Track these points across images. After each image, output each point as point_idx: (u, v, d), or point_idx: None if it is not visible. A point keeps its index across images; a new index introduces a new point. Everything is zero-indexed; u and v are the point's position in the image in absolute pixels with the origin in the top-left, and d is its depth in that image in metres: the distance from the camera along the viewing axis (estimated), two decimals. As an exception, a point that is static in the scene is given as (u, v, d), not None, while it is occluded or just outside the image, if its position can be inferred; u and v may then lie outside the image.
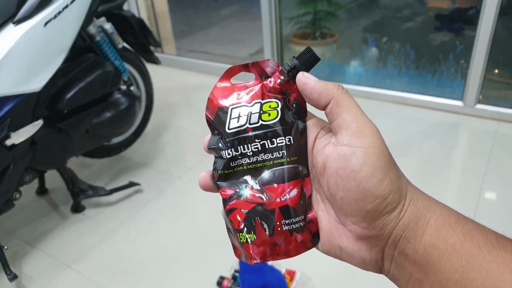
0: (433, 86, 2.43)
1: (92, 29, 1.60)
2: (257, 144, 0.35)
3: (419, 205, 0.31)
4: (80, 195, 1.70)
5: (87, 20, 1.49)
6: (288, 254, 0.35)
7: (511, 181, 1.75)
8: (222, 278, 1.35)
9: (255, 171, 0.36)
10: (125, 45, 1.84)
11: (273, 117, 0.36)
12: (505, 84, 2.33)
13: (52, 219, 1.71)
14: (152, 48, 1.97)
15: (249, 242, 0.35)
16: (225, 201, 0.36)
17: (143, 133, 2.09)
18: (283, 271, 1.34)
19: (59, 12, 1.35)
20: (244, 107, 0.36)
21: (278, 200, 0.35)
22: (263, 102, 0.36)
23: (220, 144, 0.36)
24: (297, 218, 0.35)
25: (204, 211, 1.70)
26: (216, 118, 0.37)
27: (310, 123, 0.36)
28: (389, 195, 0.30)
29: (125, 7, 2.99)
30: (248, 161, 0.36)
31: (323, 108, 0.34)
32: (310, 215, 0.35)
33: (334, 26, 2.88)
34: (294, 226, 0.35)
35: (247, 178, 0.36)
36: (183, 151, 2.16)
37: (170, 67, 3.08)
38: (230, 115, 0.36)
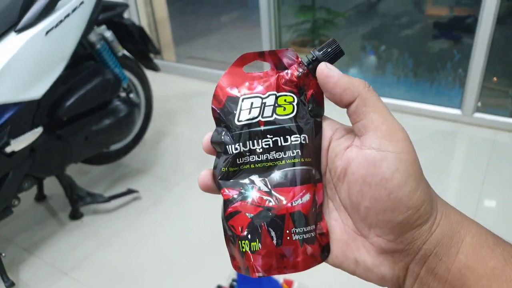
0: (431, 94, 2.44)
1: (92, 37, 1.61)
2: (269, 141, 0.31)
3: (452, 220, 0.28)
4: (78, 202, 1.70)
5: (88, 29, 1.50)
6: (296, 268, 0.31)
7: (509, 190, 1.76)
8: (219, 287, 1.35)
9: (264, 171, 0.31)
10: (125, 52, 1.85)
11: (288, 112, 0.32)
12: (503, 92, 2.34)
13: (50, 226, 1.71)
14: (151, 55, 1.97)
15: (253, 252, 0.30)
16: (227, 203, 0.31)
17: (142, 140, 2.10)
18: (280, 280, 1.34)
19: (61, 21, 1.36)
20: (257, 98, 0.32)
21: (289, 205, 0.30)
22: (278, 94, 0.32)
23: (226, 138, 0.32)
24: (309, 227, 0.31)
25: (201, 218, 1.71)
26: (224, 109, 0.32)
27: (324, 123, 0.33)
28: (422, 206, 0.27)
29: (126, 14, 3.00)
30: (257, 159, 0.31)
31: (346, 106, 0.30)
32: (320, 226, 0.32)
33: (332, 34, 2.90)
34: (305, 236, 0.30)
35: (254, 178, 0.31)
36: (182, 158, 2.16)
37: (170, 74, 3.09)
38: (241, 105, 0.32)
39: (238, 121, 0.32)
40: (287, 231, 0.30)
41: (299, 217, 0.30)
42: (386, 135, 0.28)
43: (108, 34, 1.67)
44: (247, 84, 0.33)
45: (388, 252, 0.29)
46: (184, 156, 2.18)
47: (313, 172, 0.32)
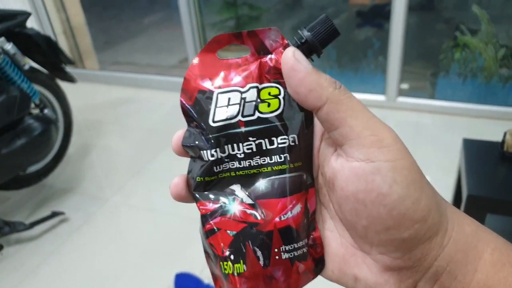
0: (356, 83, 2.50)
1: (-10, 51, 1.47)
2: (251, 144, 0.27)
3: (466, 231, 0.24)
4: (-5, 234, 1.55)
5: (-17, 43, 1.36)
6: None
7: (433, 171, 1.83)
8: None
9: (247, 180, 0.27)
10: (34, 65, 1.71)
11: (273, 108, 0.27)
12: (422, 75, 2.45)
13: (-35, 264, 1.54)
14: (65, 65, 1.84)
15: (237, 275, 0.26)
16: (205, 218, 0.27)
17: (65, 157, 1.96)
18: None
19: None
20: (235, 92, 0.27)
21: (277, 219, 0.26)
22: (260, 87, 0.27)
23: (200, 142, 0.27)
24: (300, 242, 0.27)
25: (139, 232, 1.62)
26: (195, 106, 0.27)
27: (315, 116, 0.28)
28: (429, 216, 0.23)
29: (36, 22, 2.80)
30: (238, 165, 0.27)
31: (313, 110, 0.25)
32: (313, 237, 0.28)
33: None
34: (296, 253, 0.27)
35: (236, 188, 0.27)
36: (111, 171, 2.05)
37: (93, 83, 2.93)
38: (216, 102, 0.27)
39: (214, 121, 0.27)
40: (276, 250, 0.26)
41: (289, 233, 0.26)
42: (373, 142, 0.23)
43: (9, 46, 1.52)
44: (222, 74, 0.27)
45: (394, 269, 0.25)
46: (114, 168, 2.06)
47: (304, 177, 0.27)
